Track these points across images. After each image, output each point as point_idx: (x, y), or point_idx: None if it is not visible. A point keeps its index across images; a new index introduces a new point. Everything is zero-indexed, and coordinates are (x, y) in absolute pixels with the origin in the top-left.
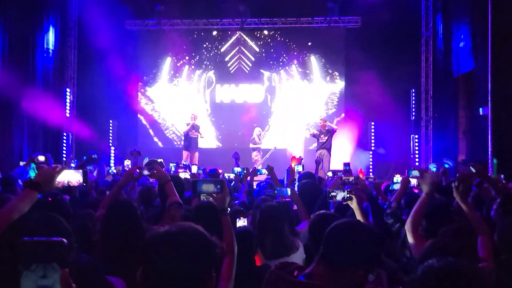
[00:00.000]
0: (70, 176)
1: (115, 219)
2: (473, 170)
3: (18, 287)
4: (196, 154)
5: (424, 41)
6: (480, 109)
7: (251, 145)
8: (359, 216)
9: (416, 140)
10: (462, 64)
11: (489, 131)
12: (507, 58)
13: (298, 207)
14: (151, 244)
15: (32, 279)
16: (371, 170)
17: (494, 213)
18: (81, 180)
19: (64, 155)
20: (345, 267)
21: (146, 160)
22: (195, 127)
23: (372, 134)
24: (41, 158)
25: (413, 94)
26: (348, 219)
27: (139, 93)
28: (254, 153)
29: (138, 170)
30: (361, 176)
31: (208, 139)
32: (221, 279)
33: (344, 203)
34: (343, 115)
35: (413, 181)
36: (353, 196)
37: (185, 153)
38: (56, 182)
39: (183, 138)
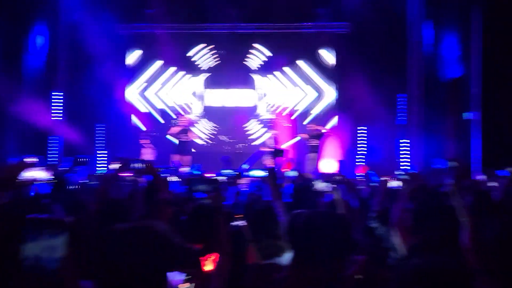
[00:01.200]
0: (37, 174)
1: (107, 217)
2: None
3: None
4: (188, 157)
5: (412, 47)
6: (468, 114)
7: (262, 149)
8: (341, 209)
9: (405, 145)
10: (450, 71)
11: (479, 136)
12: (496, 65)
13: (271, 189)
14: (105, 239)
15: (36, 243)
16: None
17: None
18: (47, 177)
19: (53, 158)
20: (315, 261)
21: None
22: (185, 130)
23: (361, 139)
24: (30, 160)
25: (402, 99)
26: (307, 210)
27: (129, 97)
28: (267, 157)
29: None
30: (362, 172)
31: (200, 143)
32: (213, 277)
33: (327, 193)
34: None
35: (395, 183)
36: (337, 187)
37: (176, 157)
38: (19, 179)
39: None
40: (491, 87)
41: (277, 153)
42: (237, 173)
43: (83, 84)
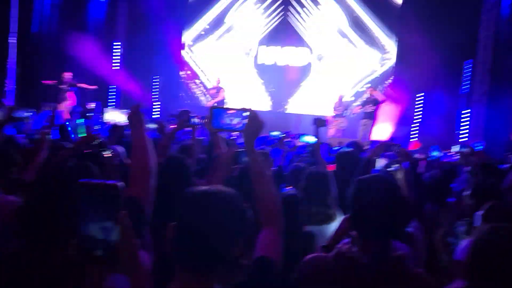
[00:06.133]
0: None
1: (169, 173)
2: None
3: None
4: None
5: (487, 7)
6: None
7: (334, 112)
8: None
9: (468, 116)
10: None
11: None
12: None
13: (317, 158)
14: (185, 201)
15: (94, 223)
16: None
17: None
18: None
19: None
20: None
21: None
22: (219, 90)
23: (420, 106)
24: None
25: (469, 65)
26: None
27: (184, 50)
28: (339, 120)
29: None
30: (415, 147)
31: (252, 101)
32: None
33: (390, 172)
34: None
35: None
36: (400, 166)
37: None
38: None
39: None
40: None
41: (321, 122)
42: (284, 135)
43: (143, 35)
